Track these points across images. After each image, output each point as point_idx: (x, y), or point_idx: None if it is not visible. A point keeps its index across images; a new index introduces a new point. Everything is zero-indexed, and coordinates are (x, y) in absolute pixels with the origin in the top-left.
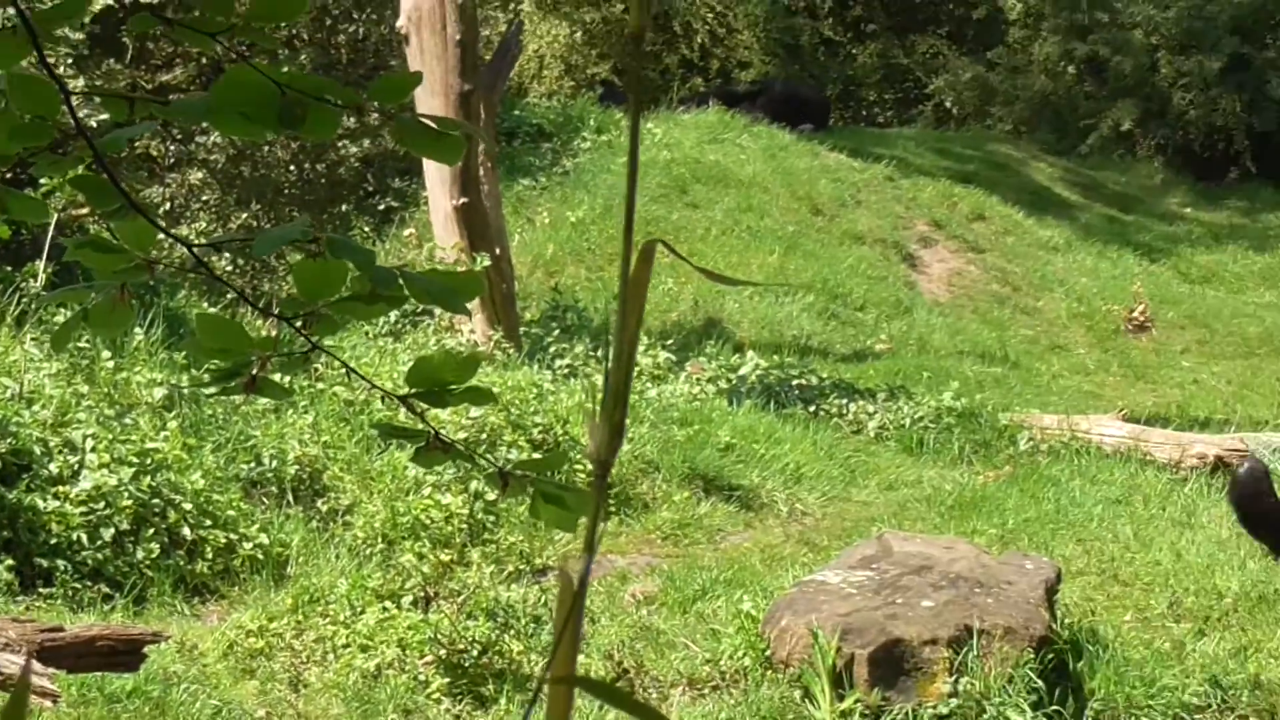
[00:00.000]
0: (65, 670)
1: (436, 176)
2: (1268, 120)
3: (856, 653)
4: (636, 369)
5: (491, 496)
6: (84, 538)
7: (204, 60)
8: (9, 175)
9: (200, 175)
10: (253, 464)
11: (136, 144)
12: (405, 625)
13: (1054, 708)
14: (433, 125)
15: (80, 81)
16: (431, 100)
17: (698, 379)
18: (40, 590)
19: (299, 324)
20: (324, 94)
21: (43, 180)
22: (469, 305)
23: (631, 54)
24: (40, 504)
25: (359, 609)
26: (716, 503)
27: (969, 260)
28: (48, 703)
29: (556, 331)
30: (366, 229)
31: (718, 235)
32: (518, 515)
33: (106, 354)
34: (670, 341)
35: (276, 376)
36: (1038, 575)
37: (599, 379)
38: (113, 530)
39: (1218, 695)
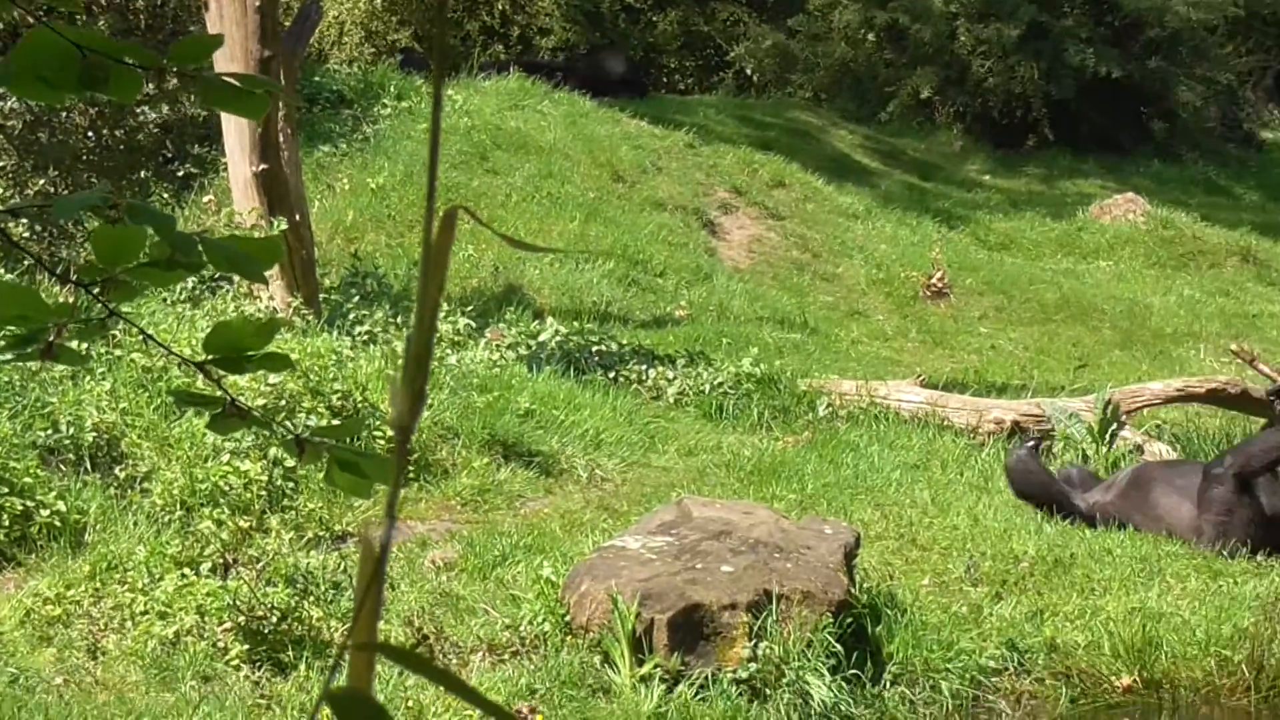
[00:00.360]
0: None
1: (236, 142)
2: (1065, 88)
3: (656, 618)
4: (437, 335)
5: (290, 463)
6: None
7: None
8: None
9: None
10: (50, 431)
11: None
12: (204, 592)
13: (852, 671)
14: (236, 83)
15: None
16: (231, 66)
17: (498, 345)
18: None
19: (97, 290)
20: (124, 56)
21: None
22: (269, 272)
23: (435, 20)
24: None
25: (157, 576)
26: (516, 469)
27: (769, 227)
28: None
29: (356, 298)
30: (166, 195)
31: (519, 202)
32: (317, 482)
33: None
34: (471, 308)
35: (74, 343)
36: (837, 540)
37: (399, 345)
38: None
39: (1014, 658)
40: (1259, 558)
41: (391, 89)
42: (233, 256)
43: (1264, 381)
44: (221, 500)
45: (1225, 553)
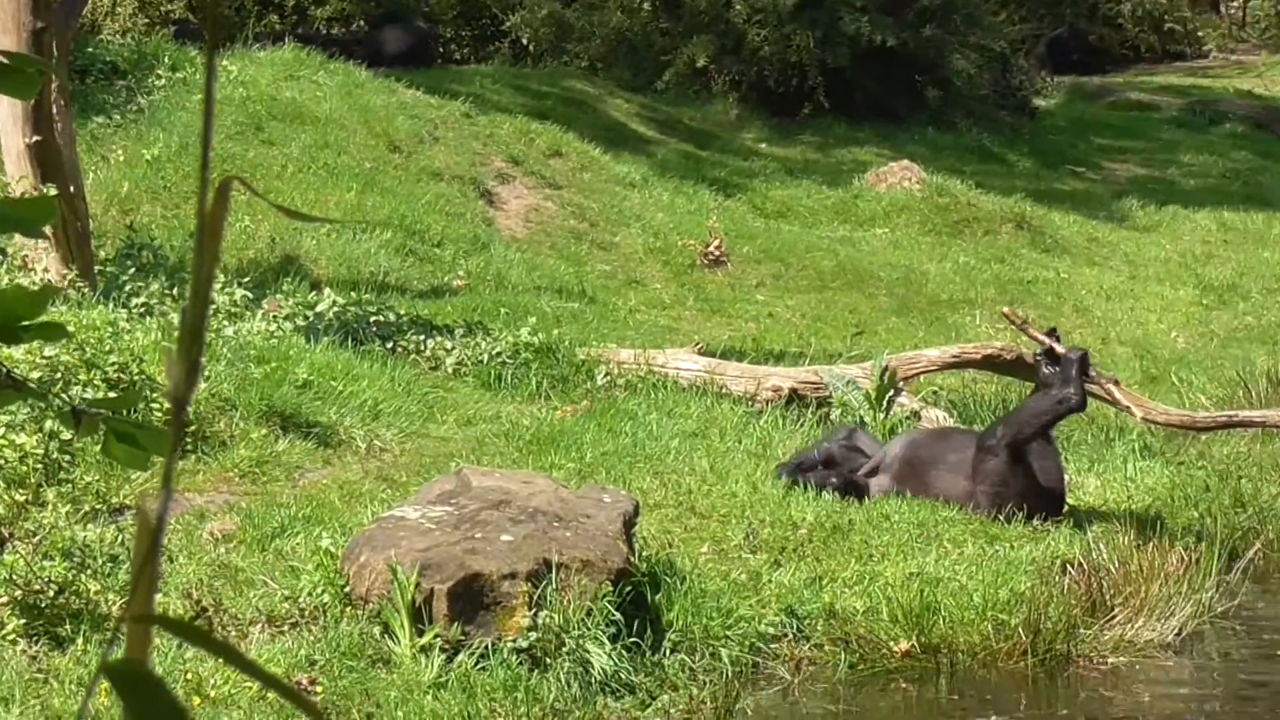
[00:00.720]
0: None
1: (9, 114)
2: (840, 56)
3: (436, 588)
4: (213, 307)
5: (67, 436)
6: None
7: None
8: None
9: None
10: None
11: None
12: None
13: (632, 639)
14: (5, 61)
15: None
16: (4, 38)
17: (275, 317)
18: None
19: None
20: None
21: None
22: (43, 245)
23: None
24: None
25: None
26: (295, 440)
27: (546, 196)
28: None
29: (132, 270)
30: None
31: (294, 173)
32: (94, 455)
33: None
34: (247, 279)
35: None
36: (616, 509)
37: (175, 317)
38: None
39: (793, 624)
40: (1034, 523)
41: (166, 60)
42: (8, 216)
43: (1036, 346)
44: None
45: (1001, 519)
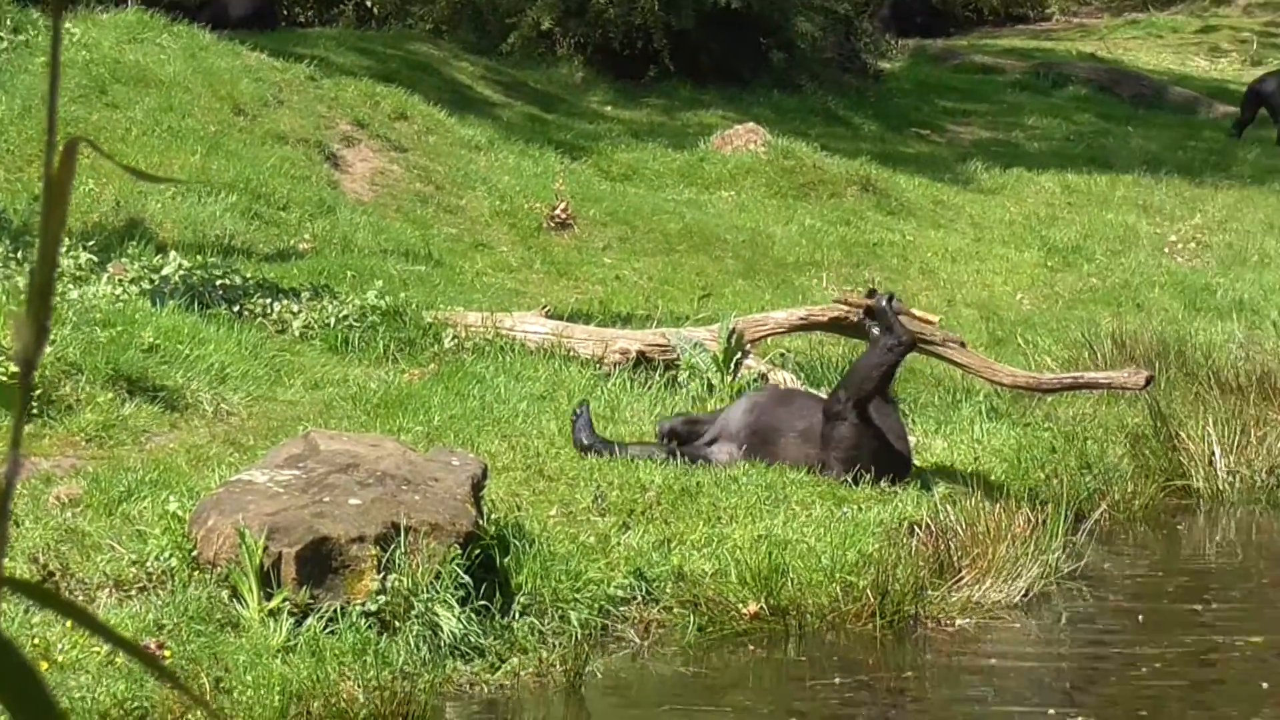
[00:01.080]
0: None
1: None
2: (685, 19)
3: (284, 551)
4: (59, 270)
5: None
6: None
7: None
8: None
9: None
10: None
11: None
12: None
13: (481, 603)
14: None
15: None
16: None
17: (121, 280)
18: None
19: None
20: None
21: None
22: None
23: None
24: None
25: None
26: (141, 404)
27: (392, 159)
28: None
29: None
30: None
31: (139, 136)
32: None
33: None
34: (92, 243)
35: None
36: (464, 471)
37: (21, 281)
38: None
39: (642, 587)
40: (883, 484)
41: (8, 22)
42: None
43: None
44: None
45: (848, 481)
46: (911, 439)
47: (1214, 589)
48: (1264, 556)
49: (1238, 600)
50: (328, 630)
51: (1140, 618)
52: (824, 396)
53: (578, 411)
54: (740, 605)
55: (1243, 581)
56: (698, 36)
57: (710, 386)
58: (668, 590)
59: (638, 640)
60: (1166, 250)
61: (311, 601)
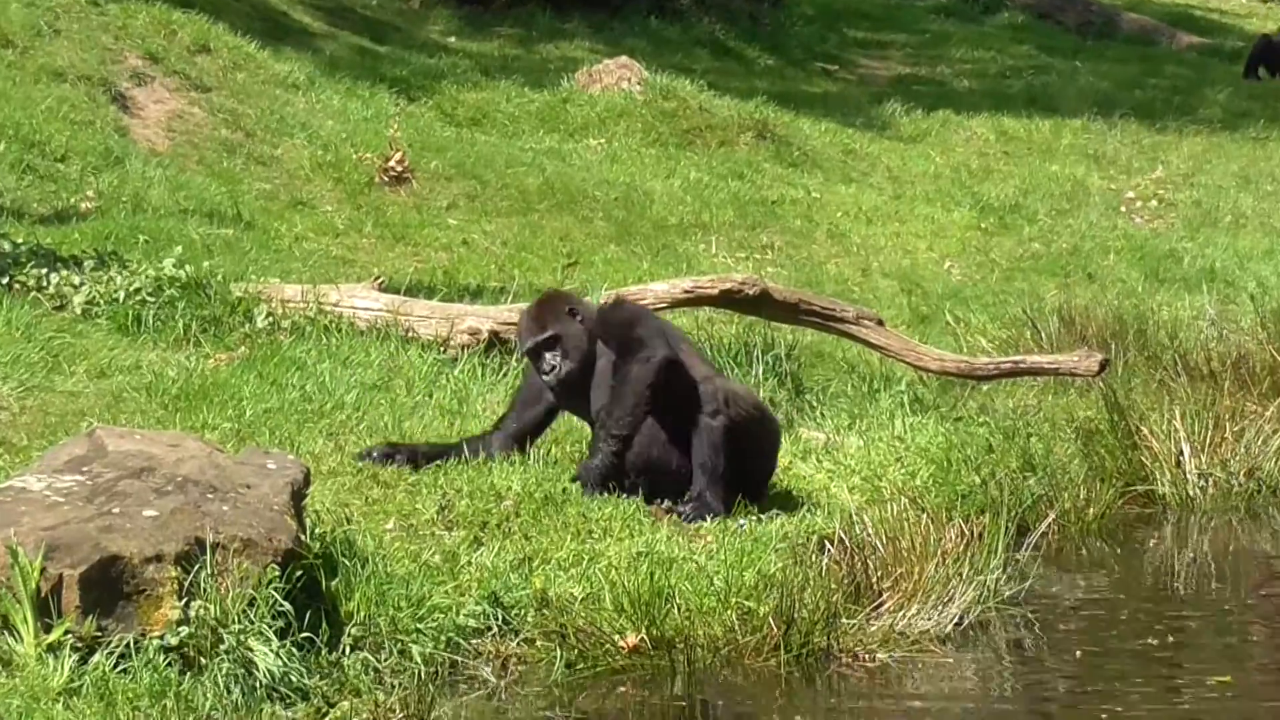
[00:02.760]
0: None
1: None
2: None
3: (66, 573)
4: None
5: None
6: None
7: None
8: None
9: None
10: None
11: None
12: None
13: (305, 635)
14: None
15: None
16: None
17: None
18: None
19: None
20: None
21: None
22: None
23: None
24: None
25: None
26: None
27: (192, 101)
28: None
29: None
30: None
31: None
32: None
33: None
34: None
35: None
36: (282, 477)
37: None
38: None
39: (498, 615)
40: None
41: None
42: None
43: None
44: None
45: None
46: (819, 436)
47: (1181, 617)
48: (1240, 577)
49: (1209, 631)
50: (119, 668)
51: (1094, 651)
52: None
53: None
54: (616, 636)
55: (1215, 608)
56: None
57: None
58: (529, 619)
59: (494, 679)
60: (1122, 209)
61: (100, 634)
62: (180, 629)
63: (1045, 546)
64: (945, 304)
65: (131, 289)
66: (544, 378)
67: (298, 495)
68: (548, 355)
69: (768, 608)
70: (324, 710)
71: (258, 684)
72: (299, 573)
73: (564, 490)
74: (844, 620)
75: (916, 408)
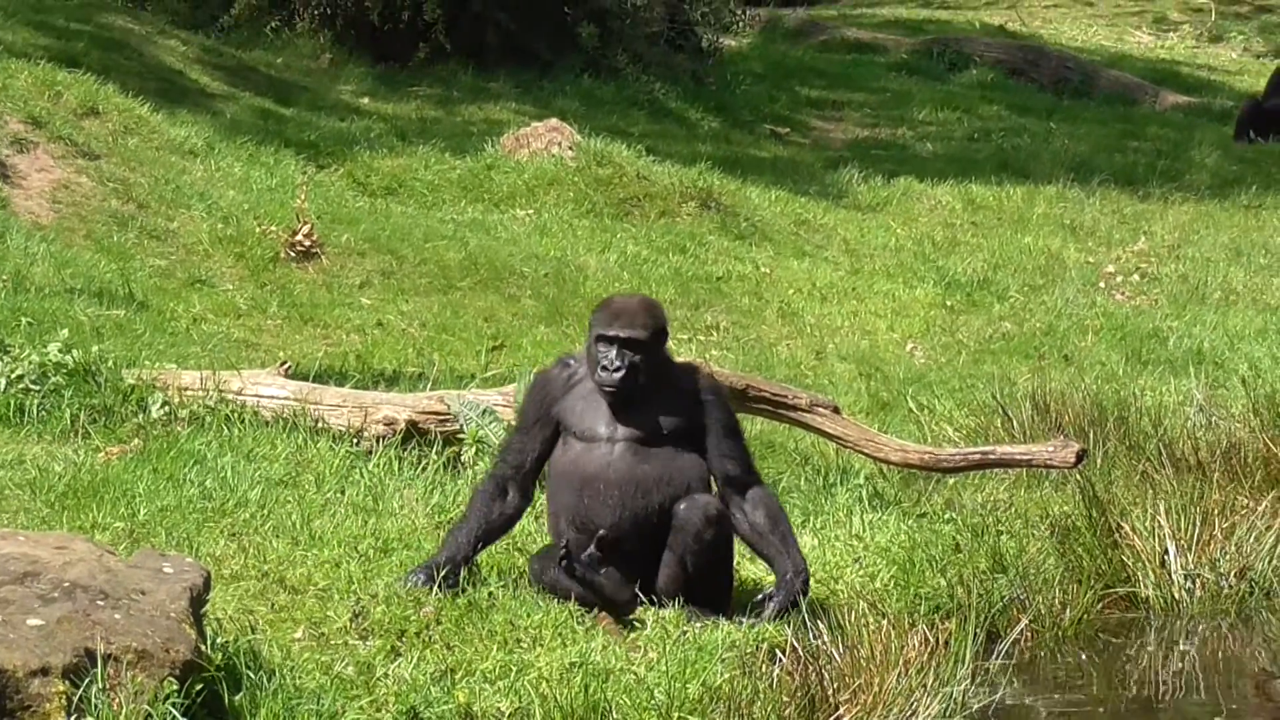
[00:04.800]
0: None
1: None
2: None
3: None
4: None
5: None
6: None
7: None
8: None
9: None
10: None
11: None
12: None
13: None
14: None
15: None
16: None
17: None
18: None
19: None
20: None
21: None
22: None
23: None
24: None
25: None
26: None
27: (79, 169)
28: None
29: None
30: None
31: None
32: None
33: None
34: None
35: None
36: (180, 581)
37: None
38: None
39: None
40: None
41: None
42: None
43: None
44: None
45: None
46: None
47: None
48: (1231, 689)
49: None
50: None
51: None
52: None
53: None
54: None
55: None
56: (482, 7)
57: None
58: None
59: None
60: (1102, 284)
61: None
62: None
63: (1017, 655)
64: (908, 389)
65: (13, 376)
66: (607, 373)
67: (197, 602)
68: (627, 353)
69: None
70: None
71: None
72: (199, 686)
73: (489, 595)
74: None
75: (876, 503)
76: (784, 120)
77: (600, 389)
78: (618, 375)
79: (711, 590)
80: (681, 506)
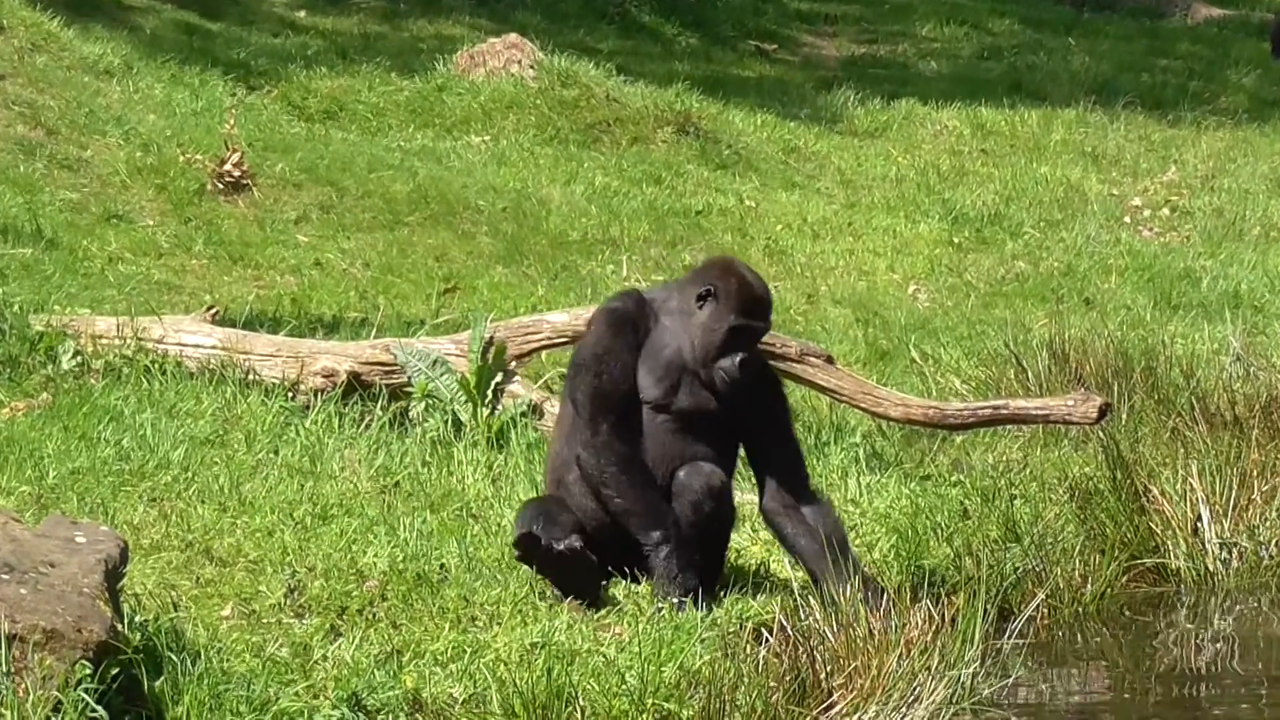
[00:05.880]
0: None
1: None
2: None
3: None
4: None
5: None
6: None
7: None
8: None
9: None
10: None
11: None
12: None
13: None
14: None
15: None
16: None
17: None
18: None
19: None
20: None
21: None
22: None
23: None
24: None
25: None
26: None
27: None
28: None
29: None
30: None
31: None
32: None
33: None
34: None
35: None
36: (94, 553)
37: None
38: None
39: None
40: None
41: None
42: None
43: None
44: None
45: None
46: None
47: None
48: (1272, 671)
49: None
50: None
51: None
52: None
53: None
54: None
55: (1240, 710)
56: None
57: (457, 424)
58: None
59: None
60: (1127, 219)
61: None
62: None
63: (1033, 633)
64: (910, 337)
65: None
66: (739, 369)
67: (113, 575)
68: (754, 350)
69: (691, 711)
70: None
71: None
72: (115, 670)
73: (441, 568)
74: None
75: (875, 464)
76: (770, 35)
77: (712, 384)
78: (744, 375)
79: (702, 568)
80: (682, 473)
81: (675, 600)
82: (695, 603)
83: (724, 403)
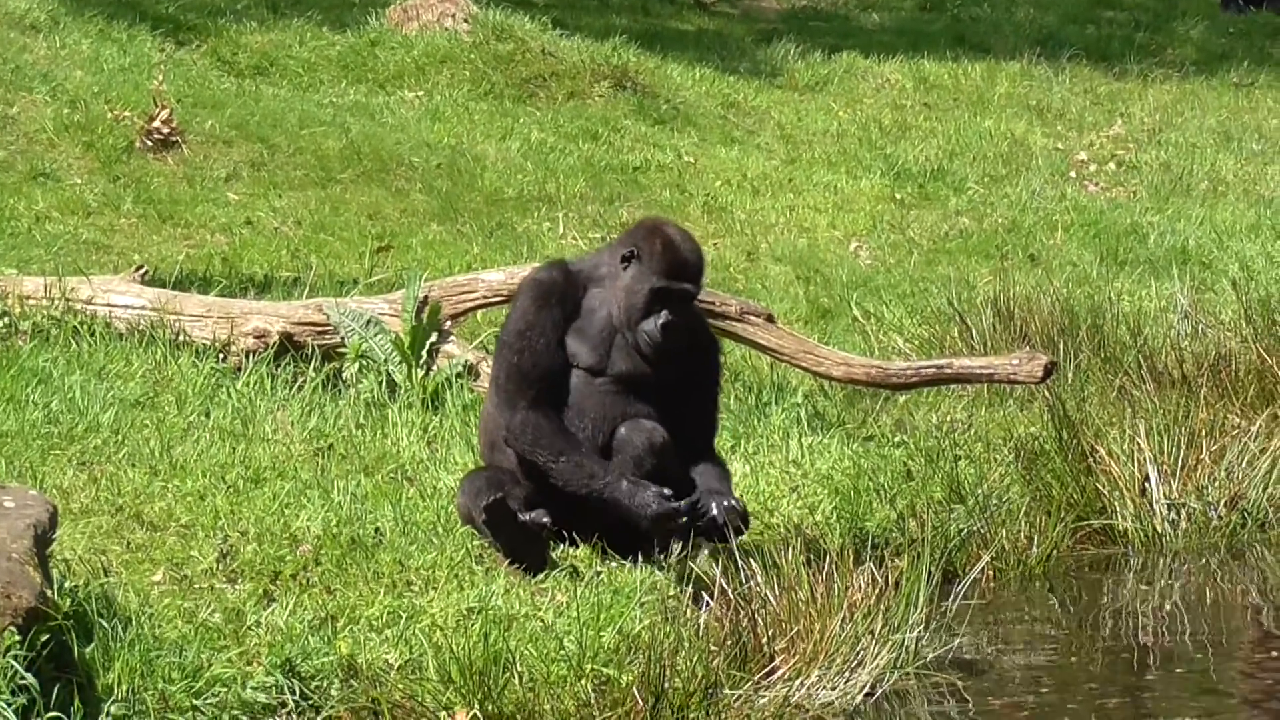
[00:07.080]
0: None
1: None
2: None
3: None
4: None
5: None
6: None
7: None
8: None
9: None
10: None
11: None
12: None
13: (54, 715)
14: None
15: None
16: None
17: None
18: None
19: None
20: None
21: None
22: None
23: None
24: None
25: None
26: None
27: None
28: None
29: None
30: None
31: None
32: None
33: None
34: None
35: None
36: (22, 517)
37: None
38: None
39: (295, 687)
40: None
41: None
42: None
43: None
44: None
45: None
46: None
47: (1146, 683)
48: (1219, 634)
49: (1180, 700)
50: None
51: None
52: None
53: None
54: (443, 713)
55: (1188, 672)
56: None
57: (392, 385)
58: (333, 692)
59: None
60: (1072, 174)
61: None
62: None
63: (978, 596)
64: (851, 294)
65: None
66: (661, 331)
67: (42, 540)
68: (685, 309)
69: (631, 676)
70: None
71: None
72: (45, 636)
73: (376, 531)
74: (727, 690)
75: (816, 425)
76: None
77: (638, 348)
78: (676, 338)
79: None
80: (623, 429)
81: (652, 512)
82: (677, 499)
83: (653, 366)
